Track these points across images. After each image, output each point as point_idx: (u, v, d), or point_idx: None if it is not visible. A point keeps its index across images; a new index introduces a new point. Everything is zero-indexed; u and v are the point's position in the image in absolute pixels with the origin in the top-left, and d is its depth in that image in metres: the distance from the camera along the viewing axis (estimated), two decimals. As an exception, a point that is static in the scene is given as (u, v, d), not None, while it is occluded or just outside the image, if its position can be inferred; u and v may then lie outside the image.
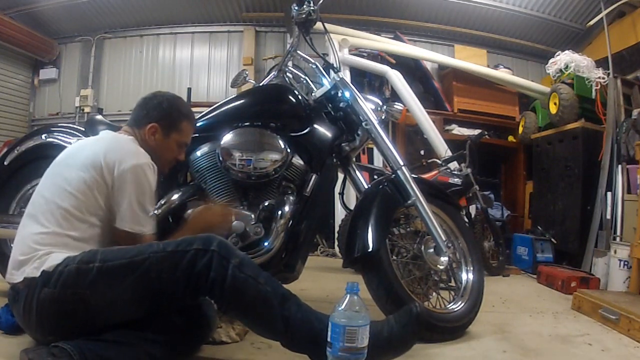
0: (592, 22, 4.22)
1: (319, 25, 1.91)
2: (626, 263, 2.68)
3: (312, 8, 1.82)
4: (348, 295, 1.11)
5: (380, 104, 1.94)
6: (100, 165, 1.28)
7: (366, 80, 4.59)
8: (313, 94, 1.89)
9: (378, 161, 4.04)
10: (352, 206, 1.87)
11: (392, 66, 4.44)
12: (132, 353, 1.14)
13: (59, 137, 1.85)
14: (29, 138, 1.94)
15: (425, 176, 3.10)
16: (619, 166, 3.28)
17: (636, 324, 1.82)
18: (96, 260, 1.15)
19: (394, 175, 1.76)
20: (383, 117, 1.95)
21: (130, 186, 1.28)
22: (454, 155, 3.70)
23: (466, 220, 3.31)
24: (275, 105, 1.80)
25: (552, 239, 3.71)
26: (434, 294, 1.81)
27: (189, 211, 1.63)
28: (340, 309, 1.09)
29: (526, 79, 4.96)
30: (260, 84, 2.10)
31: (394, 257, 1.76)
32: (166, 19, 5.58)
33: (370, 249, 1.60)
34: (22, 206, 1.89)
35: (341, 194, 2.05)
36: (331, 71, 1.88)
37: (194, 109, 1.63)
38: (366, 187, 1.85)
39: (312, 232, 1.75)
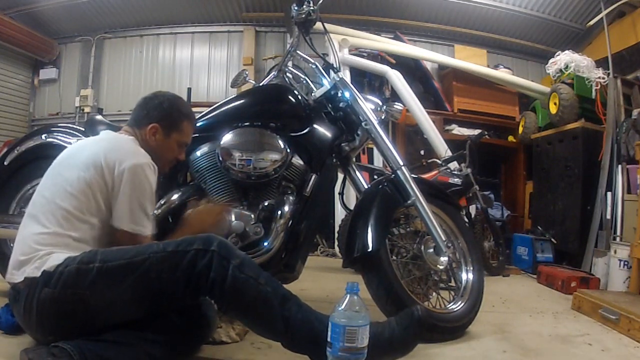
0: (592, 22, 4.22)
1: (319, 25, 1.91)
2: (626, 263, 2.68)
3: (312, 8, 1.82)
4: (348, 295, 1.11)
5: (380, 104, 1.94)
6: (100, 165, 1.28)
7: (366, 80, 4.59)
8: (313, 94, 1.89)
9: (378, 161, 4.04)
10: (352, 206, 1.87)
11: (392, 66, 4.44)
12: (132, 353, 1.14)
13: (59, 137, 1.85)
14: (29, 138, 1.94)
15: (425, 176, 3.10)
16: (619, 166, 3.28)
17: (636, 324, 1.82)
18: (96, 260, 1.15)
19: (394, 175, 1.76)
20: (383, 117, 1.95)
21: (130, 186, 1.28)
22: (454, 155, 3.70)
23: (466, 220, 3.31)
24: (275, 105, 1.80)
25: (552, 239, 3.71)
26: (434, 294, 1.81)
27: (188, 211, 1.63)
28: (340, 309, 1.09)
29: (526, 79, 4.96)
30: (260, 84, 2.10)
31: (394, 257, 1.76)
32: (166, 19, 5.58)
33: (370, 249, 1.60)
34: (22, 206, 1.89)
35: (341, 194, 2.05)
36: (331, 71, 1.88)
37: (194, 109, 1.63)
38: (366, 187, 1.85)
39: (312, 232, 1.75)
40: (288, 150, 1.68)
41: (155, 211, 1.43)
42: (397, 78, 4.27)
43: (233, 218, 1.60)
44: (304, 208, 1.68)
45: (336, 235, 3.82)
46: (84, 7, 5.23)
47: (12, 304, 1.27)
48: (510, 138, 4.97)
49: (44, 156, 1.70)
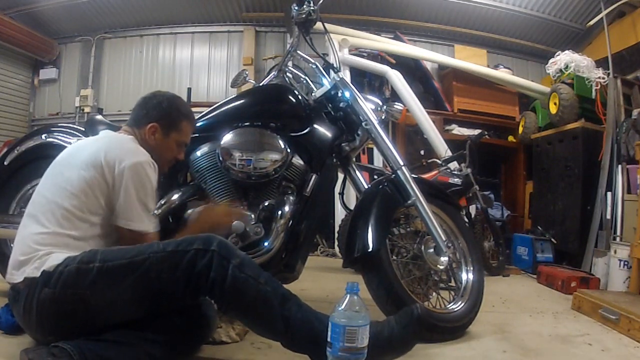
0: (592, 22, 4.22)
1: (319, 25, 1.91)
2: (626, 263, 2.68)
3: (312, 8, 1.82)
4: (348, 295, 1.11)
5: (380, 104, 1.94)
6: (100, 164, 1.28)
7: (366, 80, 4.59)
8: (313, 94, 1.89)
9: (378, 161, 4.04)
10: (352, 206, 1.87)
11: (392, 66, 4.44)
12: (132, 353, 1.14)
13: (59, 137, 1.85)
14: (29, 138, 1.94)
15: (425, 176, 3.10)
16: (619, 166, 3.28)
17: (636, 324, 1.82)
18: (96, 260, 1.15)
19: (394, 175, 1.76)
20: (383, 117, 1.95)
21: (130, 184, 1.28)
22: (454, 155, 3.70)
23: (466, 220, 3.31)
24: (275, 105, 1.80)
25: (552, 239, 3.71)
26: (434, 294, 1.81)
27: (189, 211, 1.63)
28: (340, 309, 1.09)
29: (526, 79, 4.96)
30: (260, 84, 2.10)
31: (394, 257, 1.76)
32: (166, 19, 5.58)
33: (370, 249, 1.60)
34: (22, 206, 1.89)
35: (341, 194, 2.05)
36: (331, 71, 1.88)
37: (194, 109, 1.63)
38: (366, 187, 1.85)
39: (312, 232, 1.75)
40: (288, 150, 1.68)
41: (156, 211, 1.42)
42: (397, 78, 4.27)
43: (234, 218, 1.60)
44: (304, 208, 1.68)
45: (336, 235, 3.82)
46: (84, 7, 5.23)
47: (12, 304, 1.27)
48: (510, 138, 4.97)
49: (44, 156, 1.70)
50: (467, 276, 1.87)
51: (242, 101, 1.85)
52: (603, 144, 3.48)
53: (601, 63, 3.93)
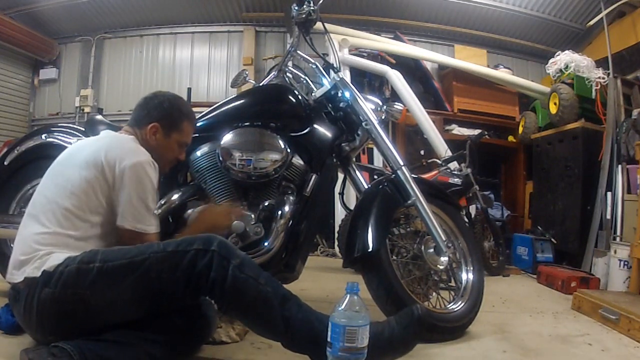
0: (592, 22, 4.22)
1: (319, 25, 1.92)
2: (626, 263, 2.68)
3: (312, 8, 1.82)
4: (348, 295, 1.11)
5: (380, 104, 1.94)
6: (101, 163, 1.28)
7: (366, 80, 4.59)
8: (313, 94, 1.89)
9: (378, 161, 4.04)
10: (352, 206, 1.87)
11: (392, 66, 4.44)
12: (132, 353, 1.14)
13: (59, 137, 1.85)
14: (29, 138, 1.94)
15: (425, 176, 3.10)
16: (619, 166, 3.28)
17: (636, 324, 1.83)
18: (96, 260, 1.15)
19: (394, 175, 1.76)
20: (383, 117, 1.95)
21: (131, 184, 1.28)
22: (454, 155, 3.70)
23: (466, 220, 3.31)
24: (275, 105, 1.80)
25: (552, 239, 3.71)
26: (434, 294, 1.81)
27: (189, 211, 1.63)
28: (340, 309, 1.09)
29: (526, 79, 4.96)
30: (260, 84, 2.10)
31: (394, 257, 1.76)
32: (166, 19, 5.58)
33: (370, 249, 1.60)
34: (22, 206, 1.89)
35: (341, 194, 2.05)
36: (331, 71, 1.88)
37: (194, 109, 1.63)
38: (366, 187, 1.85)
39: (312, 232, 1.75)
40: (288, 150, 1.68)
41: (156, 211, 1.42)
42: (397, 78, 4.27)
43: (234, 217, 1.60)
44: (304, 208, 1.68)
45: (336, 235, 3.82)
46: (84, 7, 5.23)
47: (12, 304, 1.27)
48: (510, 138, 4.97)
49: (44, 156, 1.71)
50: (467, 276, 1.87)
51: (242, 101, 1.85)
52: (603, 144, 3.48)
53: (601, 63, 3.93)
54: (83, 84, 5.66)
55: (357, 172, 1.90)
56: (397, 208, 1.77)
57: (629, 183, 3.19)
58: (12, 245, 1.62)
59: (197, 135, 1.64)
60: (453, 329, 1.69)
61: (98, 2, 5.18)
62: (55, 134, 1.87)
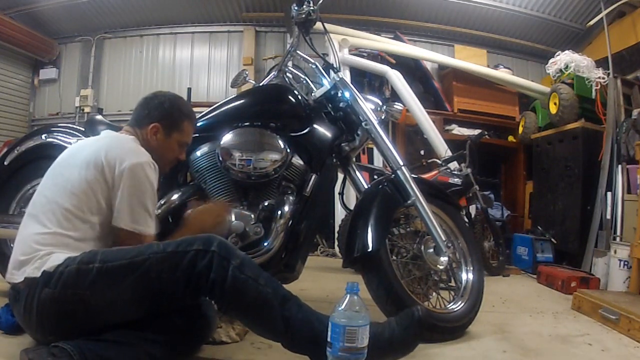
0: (592, 22, 4.22)
1: (319, 25, 1.91)
2: (626, 263, 2.68)
3: (312, 8, 1.82)
4: (348, 295, 1.11)
5: (380, 104, 1.94)
6: (101, 163, 1.28)
7: (366, 80, 4.59)
8: (313, 94, 1.89)
9: (378, 161, 4.04)
10: (352, 206, 1.87)
11: (392, 66, 4.44)
12: (132, 353, 1.14)
13: (59, 137, 1.85)
14: (29, 138, 1.94)
15: (425, 176, 3.10)
16: (619, 166, 3.28)
17: (636, 324, 1.83)
18: (96, 260, 1.15)
19: (394, 175, 1.76)
20: (383, 117, 1.95)
21: (130, 185, 1.27)
22: (454, 155, 3.70)
23: (466, 220, 3.31)
24: (275, 105, 1.80)
25: (552, 239, 3.71)
26: (434, 294, 1.81)
27: (188, 212, 1.63)
28: (340, 309, 1.09)
29: (526, 79, 4.96)
30: (260, 84, 2.10)
31: (394, 257, 1.76)
32: (166, 19, 5.58)
33: (370, 249, 1.60)
34: (22, 206, 1.89)
35: (341, 194, 2.05)
36: (331, 71, 1.88)
37: (194, 109, 1.63)
38: (366, 187, 1.85)
39: (312, 232, 1.75)
40: (288, 150, 1.68)
41: (156, 211, 1.42)
42: (397, 78, 4.27)
43: (233, 218, 1.60)
44: (304, 208, 1.68)
45: (336, 235, 3.82)
46: (84, 7, 5.23)
47: (12, 304, 1.27)
48: (510, 138, 4.97)
49: (44, 156, 1.71)
50: (467, 276, 1.87)
51: (242, 101, 1.85)
52: (603, 144, 3.48)
53: (601, 63, 3.93)
54: (83, 84, 5.66)
55: (357, 172, 1.90)
56: (397, 208, 1.77)
57: (629, 183, 3.19)
58: (12, 245, 1.62)
59: (197, 135, 1.64)
60: (453, 329, 1.69)
61: (98, 2, 5.18)
62: (55, 134, 1.87)
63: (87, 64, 5.69)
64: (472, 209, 3.57)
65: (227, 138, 1.66)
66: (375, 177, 2.05)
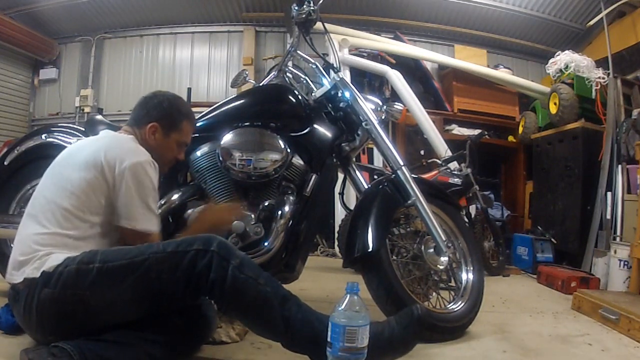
0: (592, 22, 4.22)
1: (319, 25, 1.91)
2: (626, 263, 2.68)
3: (312, 8, 1.82)
4: (348, 295, 1.11)
5: (380, 104, 1.94)
6: (100, 163, 1.27)
7: (366, 80, 4.59)
8: (313, 94, 1.89)
9: (378, 161, 4.04)
10: (352, 206, 1.87)
11: (392, 66, 4.44)
12: (132, 353, 1.14)
13: (59, 137, 1.85)
14: (29, 138, 1.94)
15: (425, 176, 3.10)
16: (619, 166, 3.28)
17: (636, 324, 1.82)
18: (96, 260, 1.15)
19: (394, 175, 1.76)
20: (383, 117, 1.95)
21: (131, 184, 1.27)
22: (454, 155, 3.70)
23: (466, 220, 3.31)
24: (275, 105, 1.80)
25: (552, 239, 3.71)
26: (434, 294, 1.81)
27: (190, 211, 1.63)
28: (340, 309, 1.09)
29: (526, 79, 4.96)
30: (260, 84, 2.10)
31: (394, 257, 1.76)
32: (166, 19, 5.58)
33: (370, 249, 1.60)
34: (22, 206, 1.89)
35: (341, 194, 2.05)
36: (331, 71, 1.88)
37: (194, 109, 1.63)
38: (366, 187, 1.85)
39: (312, 232, 1.75)
40: (288, 150, 1.68)
41: (156, 211, 1.42)
42: (397, 78, 4.27)
43: (234, 218, 1.60)
44: (304, 208, 1.68)
45: (336, 235, 3.82)
46: (84, 7, 5.23)
47: (12, 304, 1.27)
48: (510, 138, 4.97)
49: (44, 156, 1.70)
50: (467, 276, 1.87)
51: (242, 101, 1.85)
52: (603, 144, 3.48)
53: (601, 63, 3.93)
54: (83, 84, 5.66)
55: (357, 172, 1.90)
56: (397, 208, 1.77)
57: (629, 183, 3.19)
58: (12, 245, 1.62)
59: (197, 135, 1.64)
60: (453, 329, 1.69)
61: (98, 2, 5.18)
62: (55, 134, 1.87)
63: (87, 64, 5.69)
64: (472, 209, 3.57)
65: (228, 138, 1.66)
66: (376, 177, 2.05)
